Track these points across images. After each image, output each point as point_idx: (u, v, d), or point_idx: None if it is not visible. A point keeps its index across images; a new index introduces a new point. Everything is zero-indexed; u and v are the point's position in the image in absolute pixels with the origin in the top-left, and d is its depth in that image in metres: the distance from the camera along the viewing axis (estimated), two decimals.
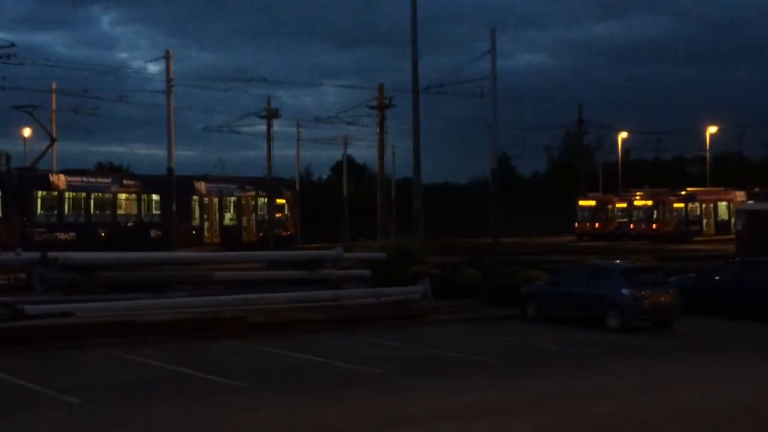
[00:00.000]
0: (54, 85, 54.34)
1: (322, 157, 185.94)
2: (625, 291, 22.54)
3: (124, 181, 47.26)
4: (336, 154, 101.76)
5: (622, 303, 22.49)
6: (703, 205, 67.31)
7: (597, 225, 67.63)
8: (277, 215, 55.12)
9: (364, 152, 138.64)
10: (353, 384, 15.54)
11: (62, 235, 40.81)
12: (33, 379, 15.20)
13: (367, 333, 21.54)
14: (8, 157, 74.64)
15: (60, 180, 43.04)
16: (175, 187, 42.86)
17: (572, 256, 40.37)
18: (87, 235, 41.96)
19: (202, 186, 51.14)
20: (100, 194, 44.84)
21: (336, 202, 71.46)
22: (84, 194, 44.01)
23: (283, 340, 20.06)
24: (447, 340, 20.88)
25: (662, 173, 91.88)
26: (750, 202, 57.16)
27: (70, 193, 43.41)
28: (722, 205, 67.99)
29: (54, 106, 56.73)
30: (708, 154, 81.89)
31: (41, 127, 47.23)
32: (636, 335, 21.91)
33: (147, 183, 47.36)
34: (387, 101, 46.28)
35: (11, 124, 77.82)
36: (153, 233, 45.63)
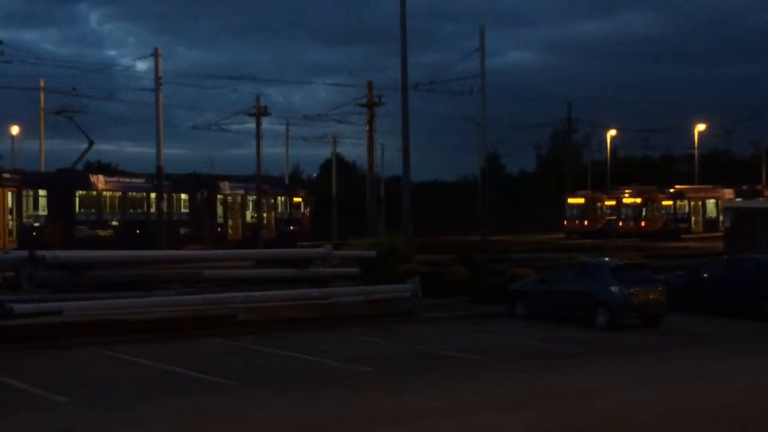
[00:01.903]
0: (42, 83, 54.21)
1: (311, 155, 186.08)
2: (613, 288, 22.60)
3: (156, 182, 48.14)
4: (325, 152, 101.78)
5: (610, 300, 22.55)
6: (692, 203, 67.56)
7: (586, 223, 67.79)
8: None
9: (353, 150, 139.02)
10: (343, 382, 15.54)
11: (101, 233, 42.97)
12: (21, 378, 15.16)
13: (356, 331, 21.55)
14: None
15: (99, 180, 45.08)
16: (162, 186, 43.19)
17: (561, 254, 40.51)
18: (123, 232, 44.05)
19: (225, 185, 53.03)
20: (135, 194, 46.76)
21: (325, 200, 71.48)
22: (120, 194, 45.92)
23: (272, 339, 20.05)
24: (436, 338, 20.90)
25: (651, 171, 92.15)
26: (738, 199, 57.59)
27: (108, 193, 45.38)
28: (710, 203, 68.27)
29: (42, 104, 56.57)
30: (696, 151, 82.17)
31: (80, 130, 47.80)
32: (624, 332, 21.97)
33: (176, 183, 49.41)
34: (376, 99, 46.21)
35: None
36: (182, 230, 47.64)
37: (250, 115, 54.27)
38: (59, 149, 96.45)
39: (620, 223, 65.00)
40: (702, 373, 16.93)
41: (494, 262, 32.24)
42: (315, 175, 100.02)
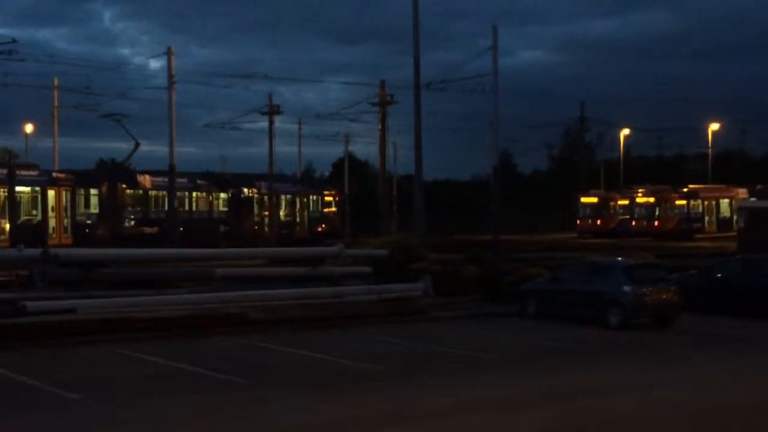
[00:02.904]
0: (56, 82, 54.45)
1: (323, 154, 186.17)
2: (626, 288, 22.51)
3: (198, 181, 51.24)
4: (338, 150, 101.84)
5: (623, 300, 22.46)
6: (705, 203, 67.30)
7: (598, 222, 67.63)
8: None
9: (365, 149, 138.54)
10: (355, 381, 15.54)
11: (147, 230, 44.96)
12: (34, 376, 15.21)
13: (368, 330, 21.56)
14: (11, 155, 74.71)
15: (146, 180, 47.26)
16: (176, 184, 43.43)
17: (573, 253, 40.42)
18: (167, 229, 45.17)
19: (261, 185, 55.17)
20: (178, 193, 48.25)
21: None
22: (164, 192, 47.25)
23: (284, 337, 20.07)
24: (448, 337, 20.89)
25: (664, 170, 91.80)
26: (752, 199, 57.21)
27: (154, 192, 47.40)
28: (724, 203, 67.98)
29: (56, 103, 56.80)
30: (710, 151, 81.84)
31: (128, 134, 49.12)
32: (637, 332, 21.91)
33: (216, 182, 52.21)
34: (389, 98, 46.16)
35: (13, 121, 77.83)
36: (222, 228, 49.94)
37: (263, 113, 54.39)
38: (72, 147, 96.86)
39: (633, 223, 64.89)
40: (714, 374, 16.87)
41: (506, 261, 32.19)
42: (327, 173, 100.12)
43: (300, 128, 73.21)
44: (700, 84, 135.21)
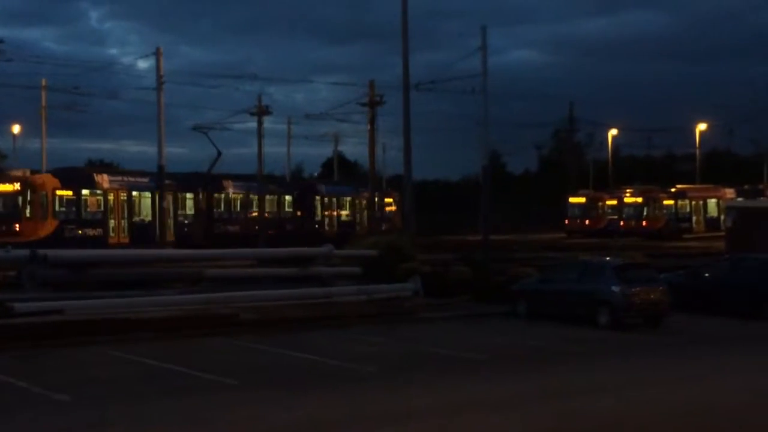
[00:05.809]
0: (44, 82, 54.28)
1: (313, 155, 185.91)
2: (615, 288, 22.58)
3: (270, 186, 55.34)
4: (327, 151, 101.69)
5: (612, 300, 22.53)
6: (693, 202, 67.53)
7: (587, 222, 67.69)
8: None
9: (355, 149, 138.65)
10: (343, 381, 15.55)
11: (231, 228, 49.98)
12: (22, 377, 15.15)
13: (357, 330, 21.55)
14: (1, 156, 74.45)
15: (229, 184, 52.02)
16: (164, 185, 43.44)
17: (563, 253, 40.50)
18: (246, 228, 50.69)
19: (323, 188, 60.17)
20: (255, 196, 53.06)
21: None
22: (242, 195, 52.87)
23: (273, 338, 20.05)
24: (438, 337, 20.90)
25: (652, 170, 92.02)
26: (739, 199, 57.46)
27: (235, 195, 52.61)
28: (712, 202, 68.23)
29: (44, 103, 56.63)
30: (698, 151, 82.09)
31: (213, 145, 52.43)
32: (626, 332, 21.96)
33: (284, 186, 57.56)
34: (378, 98, 46.13)
35: (0, 121, 77.45)
36: (288, 227, 54.10)
37: (252, 114, 54.30)
38: (60, 147, 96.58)
39: (622, 223, 64.98)
40: (703, 373, 16.92)
41: (496, 261, 32.23)
42: (317, 174, 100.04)
43: (289, 129, 73.25)
44: (689, 84, 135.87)
